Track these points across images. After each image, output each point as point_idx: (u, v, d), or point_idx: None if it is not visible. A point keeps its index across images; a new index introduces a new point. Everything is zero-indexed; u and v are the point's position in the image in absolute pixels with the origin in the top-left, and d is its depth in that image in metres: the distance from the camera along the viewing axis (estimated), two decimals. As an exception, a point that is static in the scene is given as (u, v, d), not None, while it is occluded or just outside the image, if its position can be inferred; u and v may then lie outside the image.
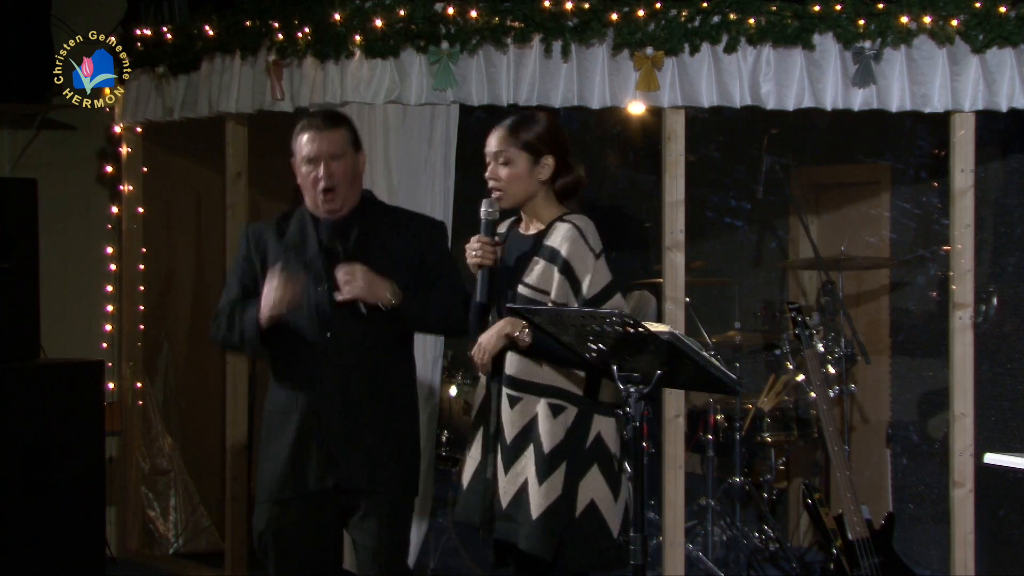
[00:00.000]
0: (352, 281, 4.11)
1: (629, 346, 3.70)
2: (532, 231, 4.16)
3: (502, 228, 4.27)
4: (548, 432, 4.04)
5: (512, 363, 4.10)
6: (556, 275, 4.02)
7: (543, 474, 4.02)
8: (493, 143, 4.14)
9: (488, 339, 4.06)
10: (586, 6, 5.58)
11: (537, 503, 4.02)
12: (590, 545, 4.04)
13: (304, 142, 4.24)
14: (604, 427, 4.08)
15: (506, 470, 4.10)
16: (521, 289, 4.07)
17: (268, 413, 4.34)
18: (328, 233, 4.25)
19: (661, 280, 5.93)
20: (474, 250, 4.10)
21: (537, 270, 4.06)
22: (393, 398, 4.28)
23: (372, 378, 4.23)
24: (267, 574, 4.35)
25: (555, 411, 4.05)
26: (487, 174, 4.15)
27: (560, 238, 4.05)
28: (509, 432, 4.09)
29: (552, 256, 4.05)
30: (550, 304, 4.02)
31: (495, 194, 4.14)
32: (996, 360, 6.24)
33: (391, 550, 4.26)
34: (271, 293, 4.18)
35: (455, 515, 4.22)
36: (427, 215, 4.62)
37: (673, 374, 3.75)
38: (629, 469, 6.01)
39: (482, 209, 4.12)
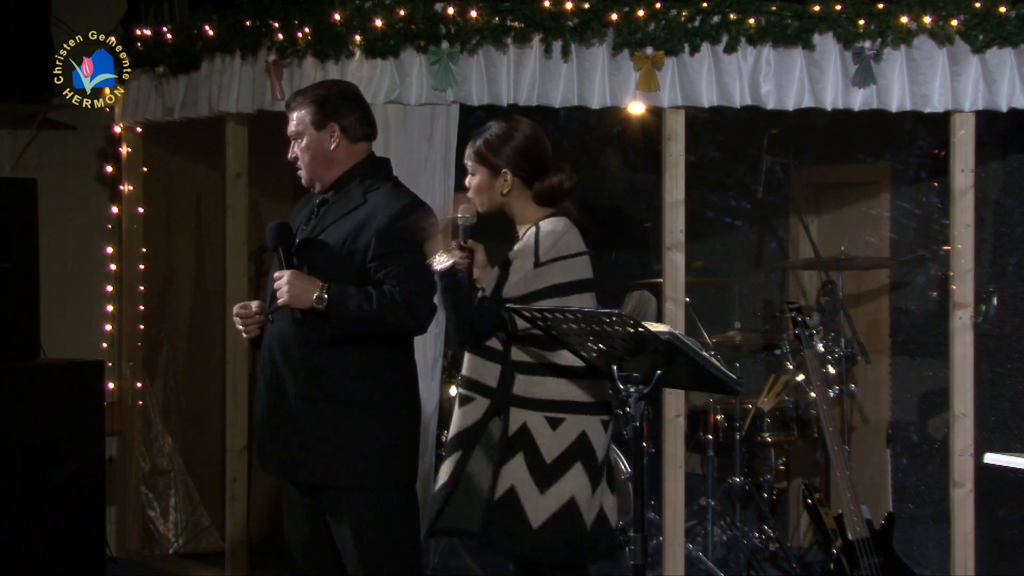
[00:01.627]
0: (280, 288, 4.14)
1: (629, 346, 3.70)
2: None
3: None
4: (455, 420, 4.21)
5: (466, 363, 4.19)
6: (498, 270, 4.10)
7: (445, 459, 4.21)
8: (466, 153, 4.26)
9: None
10: (586, 6, 5.59)
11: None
12: (506, 531, 4.09)
13: None
14: (530, 420, 4.10)
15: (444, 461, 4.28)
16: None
17: None
18: (276, 233, 4.24)
19: (661, 280, 5.93)
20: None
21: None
22: (335, 394, 4.18)
23: (308, 373, 4.18)
24: (270, 572, 4.37)
25: (463, 401, 4.18)
26: (466, 181, 4.26)
27: (522, 239, 4.13)
28: (453, 429, 4.23)
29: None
30: (480, 291, 4.12)
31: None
32: (996, 360, 6.24)
33: (360, 553, 4.19)
34: None
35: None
36: (402, 194, 4.33)
37: (673, 374, 3.75)
38: (628, 469, 6.06)
39: (458, 216, 4.15)
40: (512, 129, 4.19)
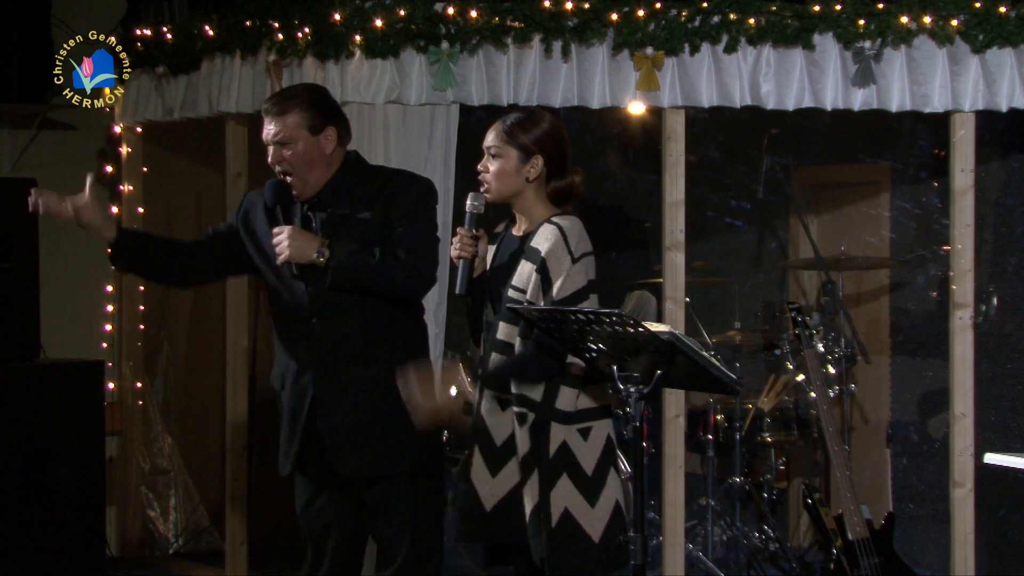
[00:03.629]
0: (280, 242, 4.18)
1: (629, 346, 3.70)
2: (521, 232, 4.18)
3: (500, 228, 4.28)
4: (520, 440, 4.09)
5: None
6: (533, 274, 4.05)
7: (524, 480, 4.08)
8: (489, 137, 4.17)
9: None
10: (586, 6, 5.59)
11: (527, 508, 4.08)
12: (573, 554, 4.03)
13: (264, 126, 4.33)
14: (568, 436, 4.06)
15: (493, 473, 4.12)
16: (509, 292, 4.09)
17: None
18: (275, 190, 4.28)
19: (661, 280, 5.93)
20: (455, 242, 4.13)
21: (522, 271, 4.08)
22: (381, 381, 4.24)
23: (355, 363, 4.23)
24: (270, 573, 4.38)
25: (520, 419, 4.08)
26: (478, 166, 4.17)
27: (543, 238, 4.07)
28: (497, 436, 4.12)
29: (533, 256, 4.07)
30: (526, 303, 4.04)
31: (482, 187, 4.16)
32: (996, 360, 6.24)
33: (414, 533, 4.27)
34: None
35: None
36: (413, 172, 4.53)
37: (673, 374, 3.75)
38: (628, 469, 6.07)
39: (467, 202, 4.14)
40: (541, 115, 4.18)
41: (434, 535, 4.35)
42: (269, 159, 4.30)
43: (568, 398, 4.04)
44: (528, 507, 4.06)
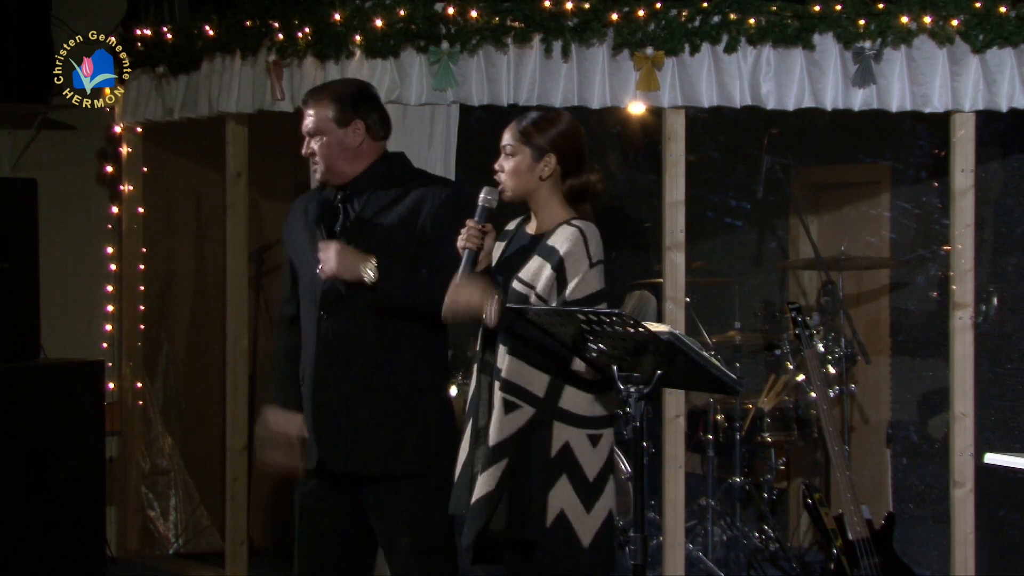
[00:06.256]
0: (326, 259, 4.20)
1: (629, 346, 3.70)
2: (534, 231, 4.18)
3: (511, 225, 4.28)
4: (496, 427, 4.05)
5: (507, 365, 4.08)
6: (548, 271, 4.04)
7: (484, 465, 4.06)
8: (505, 136, 4.19)
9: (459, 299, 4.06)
10: (586, 6, 5.59)
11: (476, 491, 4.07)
12: (562, 555, 4.02)
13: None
14: (572, 438, 4.04)
15: (484, 470, 4.09)
16: (514, 284, 4.08)
17: None
18: (318, 211, 4.34)
19: (661, 280, 5.93)
20: (463, 232, 4.13)
21: (532, 266, 4.08)
22: (397, 383, 4.26)
23: (371, 364, 4.23)
24: (270, 572, 4.37)
25: (508, 407, 4.05)
26: (495, 164, 4.19)
27: (562, 239, 4.07)
28: (494, 436, 4.06)
29: (550, 254, 4.06)
30: (534, 298, 4.03)
31: (500, 185, 4.16)
32: (996, 360, 6.24)
33: (415, 539, 4.26)
34: None
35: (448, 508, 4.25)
36: (447, 180, 4.57)
37: (673, 374, 3.75)
38: (628, 469, 6.07)
39: (481, 195, 4.14)
40: (558, 115, 4.21)
41: (447, 542, 4.30)
42: (303, 150, 4.36)
43: (572, 399, 4.03)
44: (479, 492, 4.03)
